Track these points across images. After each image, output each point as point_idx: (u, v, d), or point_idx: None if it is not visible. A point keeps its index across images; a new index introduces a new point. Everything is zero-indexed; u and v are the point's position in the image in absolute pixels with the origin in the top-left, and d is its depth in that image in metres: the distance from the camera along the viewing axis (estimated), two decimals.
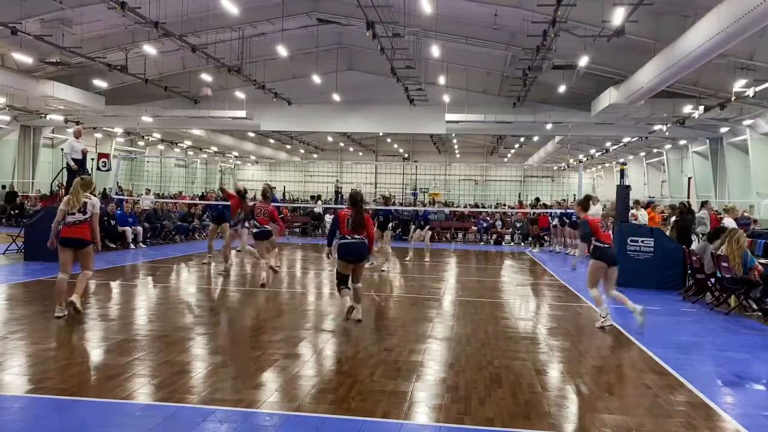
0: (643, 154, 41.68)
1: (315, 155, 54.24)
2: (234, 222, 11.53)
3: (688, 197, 31.32)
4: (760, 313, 8.85)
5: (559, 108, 26.23)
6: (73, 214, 7.25)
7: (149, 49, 22.52)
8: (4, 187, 26.89)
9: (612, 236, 8.30)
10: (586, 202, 8.49)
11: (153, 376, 5.18)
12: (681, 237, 12.26)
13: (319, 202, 26.89)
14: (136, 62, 23.43)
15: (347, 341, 6.74)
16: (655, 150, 38.86)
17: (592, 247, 7.90)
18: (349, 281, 7.54)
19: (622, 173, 12.71)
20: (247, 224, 11.21)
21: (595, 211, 17.17)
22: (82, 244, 7.29)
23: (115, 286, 10.13)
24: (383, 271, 12.85)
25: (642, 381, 5.54)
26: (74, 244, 7.25)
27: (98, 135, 35.41)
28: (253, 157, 48.92)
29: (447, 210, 26.84)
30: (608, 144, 39.12)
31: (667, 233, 12.85)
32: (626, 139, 34.62)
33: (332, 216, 11.10)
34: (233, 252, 13.13)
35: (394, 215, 16.84)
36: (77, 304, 7.15)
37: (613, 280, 7.95)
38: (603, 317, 7.78)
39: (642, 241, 11.58)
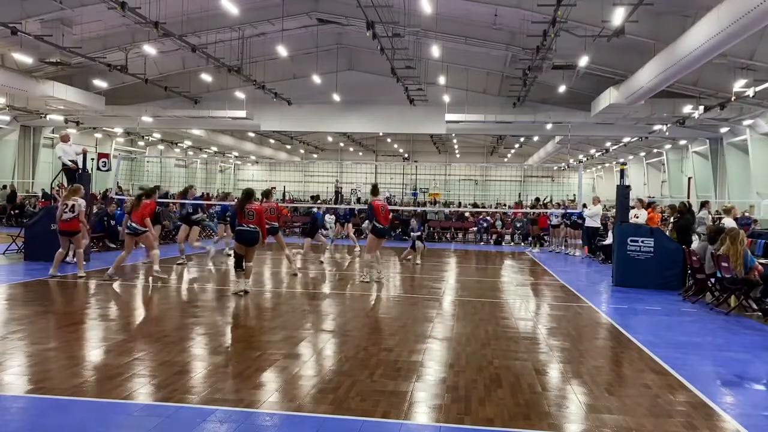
0: (643, 154, 41.68)
1: (315, 155, 54.25)
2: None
3: (688, 197, 31.31)
4: (760, 313, 8.85)
5: (559, 108, 26.23)
6: (66, 212, 10.26)
7: (149, 49, 22.53)
8: (4, 187, 26.89)
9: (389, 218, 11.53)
10: (375, 190, 11.29)
11: (153, 376, 5.17)
12: (681, 237, 12.26)
13: (319, 201, 26.88)
14: (136, 62, 23.43)
15: (347, 341, 6.73)
16: (655, 150, 38.86)
17: (371, 225, 10.69)
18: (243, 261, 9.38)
19: (622, 173, 12.69)
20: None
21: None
22: (73, 233, 10.49)
23: (115, 286, 10.13)
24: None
25: (642, 381, 5.53)
26: (67, 234, 10.50)
27: (98, 135, 35.42)
28: (253, 157, 48.93)
29: (447, 210, 26.81)
30: (608, 144, 39.12)
31: (667, 233, 12.84)
32: (626, 139, 34.63)
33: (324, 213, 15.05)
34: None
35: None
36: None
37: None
38: (364, 275, 11.05)
39: (642, 241, 11.57)
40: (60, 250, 10.60)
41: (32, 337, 6.40)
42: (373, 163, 51.37)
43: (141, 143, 41.80)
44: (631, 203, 13.09)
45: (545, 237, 21.22)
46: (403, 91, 24.85)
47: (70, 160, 12.89)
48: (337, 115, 28.86)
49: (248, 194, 9.53)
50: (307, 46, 25.90)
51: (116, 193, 15.35)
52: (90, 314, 7.84)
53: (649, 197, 31.17)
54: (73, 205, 10.24)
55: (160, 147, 43.48)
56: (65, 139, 13.50)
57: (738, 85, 18.80)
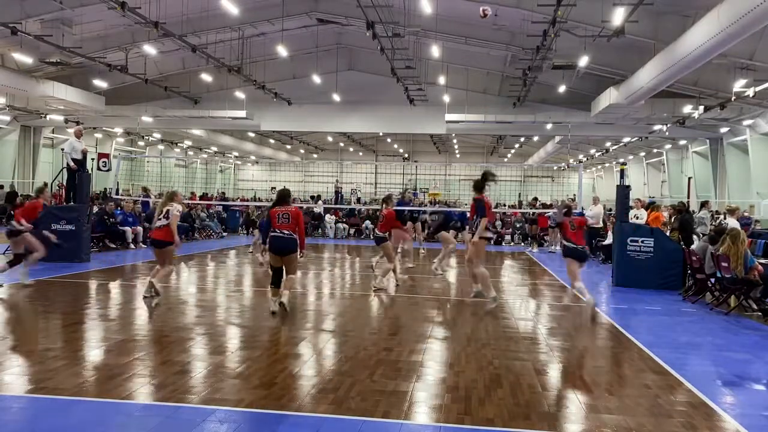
0: (643, 154, 41.68)
1: (315, 155, 54.24)
2: None
3: (688, 197, 31.34)
4: (760, 313, 8.85)
5: (559, 108, 26.23)
6: (159, 219, 8.73)
7: (149, 49, 22.53)
8: (2, 187, 26.86)
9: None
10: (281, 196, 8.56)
11: (153, 376, 5.17)
12: (680, 237, 12.25)
13: (320, 201, 26.88)
14: (136, 62, 23.44)
15: (347, 341, 6.73)
16: (655, 150, 38.86)
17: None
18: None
19: (622, 173, 12.70)
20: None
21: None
22: (163, 244, 8.79)
23: (115, 286, 10.13)
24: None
25: (642, 381, 5.53)
26: (157, 245, 8.90)
27: (98, 135, 35.42)
28: (253, 157, 48.92)
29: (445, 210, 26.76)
30: (608, 144, 39.12)
31: (667, 233, 12.83)
32: (626, 139, 34.63)
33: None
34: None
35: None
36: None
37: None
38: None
39: (642, 241, 11.57)
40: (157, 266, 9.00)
41: (32, 337, 6.40)
42: (373, 163, 51.39)
43: (141, 143, 41.79)
44: (630, 203, 13.09)
45: (545, 237, 21.22)
46: (403, 91, 24.84)
47: (73, 159, 12.89)
48: (337, 115, 28.86)
49: (283, 195, 8.26)
50: (307, 46, 25.90)
51: (116, 193, 15.40)
52: (90, 314, 7.84)
53: (650, 197, 31.23)
54: (167, 211, 8.66)
55: (160, 147, 43.46)
56: (78, 134, 13.51)
57: (738, 85, 18.81)
